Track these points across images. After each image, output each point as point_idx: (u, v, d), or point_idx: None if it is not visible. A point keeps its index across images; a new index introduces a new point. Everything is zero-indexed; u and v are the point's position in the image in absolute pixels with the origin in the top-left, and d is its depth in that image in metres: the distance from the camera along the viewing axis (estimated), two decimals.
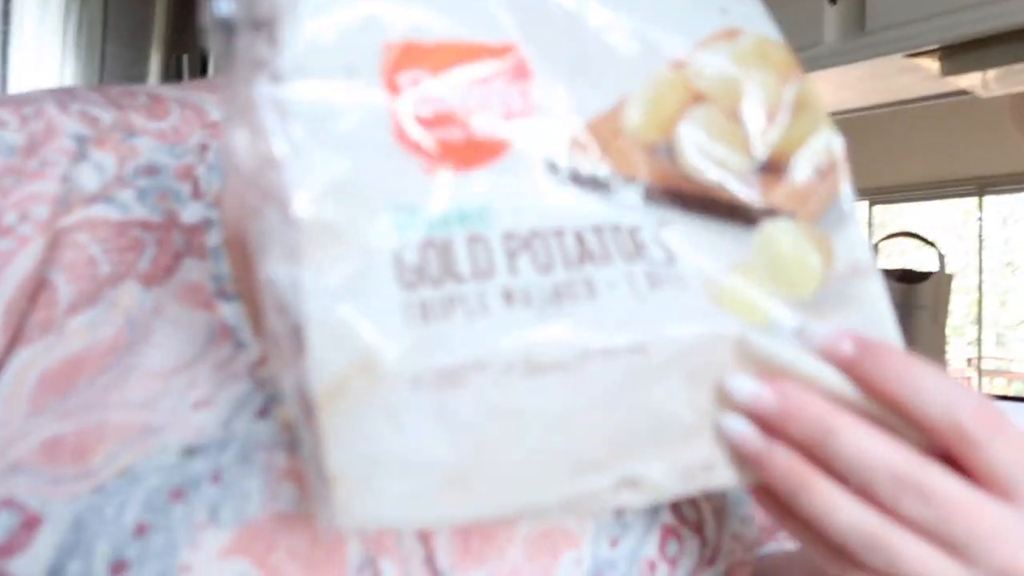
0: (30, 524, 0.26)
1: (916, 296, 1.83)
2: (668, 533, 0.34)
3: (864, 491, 0.25)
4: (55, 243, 0.31)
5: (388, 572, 0.28)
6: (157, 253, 0.32)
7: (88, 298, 0.30)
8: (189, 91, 0.39)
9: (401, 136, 0.25)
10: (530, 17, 0.27)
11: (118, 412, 0.28)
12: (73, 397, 0.28)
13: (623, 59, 0.28)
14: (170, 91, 0.38)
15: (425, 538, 0.29)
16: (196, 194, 0.34)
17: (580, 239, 0.26)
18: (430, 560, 0.29)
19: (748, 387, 0.26)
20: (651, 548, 0.33)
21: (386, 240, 0.24)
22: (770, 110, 0.28)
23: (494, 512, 0.25)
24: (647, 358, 0.25)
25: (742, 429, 0.26)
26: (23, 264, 0.30)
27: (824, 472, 0.25)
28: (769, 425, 0.26)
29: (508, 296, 0.24)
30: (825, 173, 0.28)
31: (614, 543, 0.32)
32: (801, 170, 0.28)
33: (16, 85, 1.43)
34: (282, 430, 0.28)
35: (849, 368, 0.26)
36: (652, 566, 0.33)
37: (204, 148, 0.36)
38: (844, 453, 0.25)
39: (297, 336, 0.23)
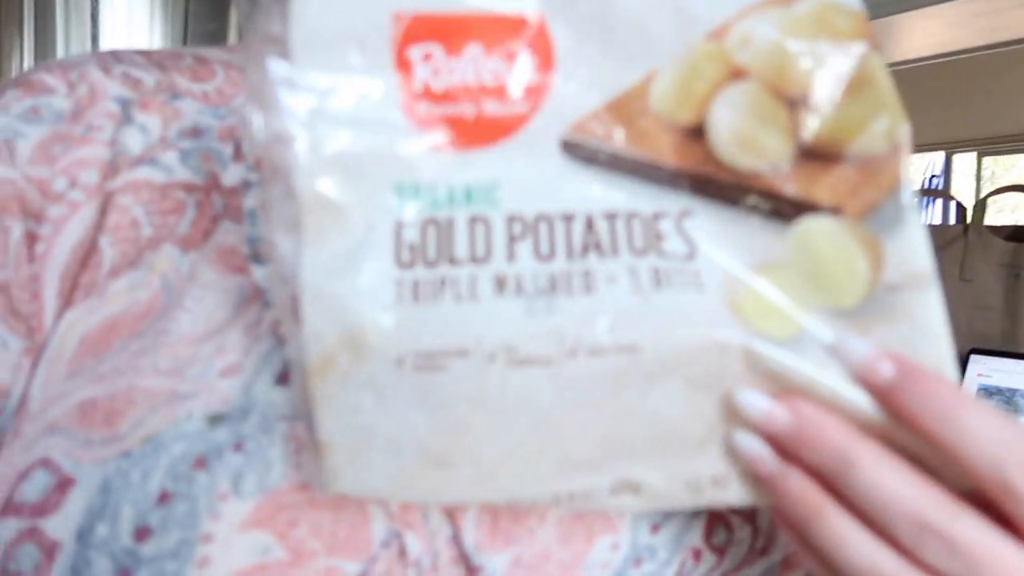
0: (63, 485, 0.27)
1: None
2: (716, 520, 0.32)
3: (884, 531, 0.22)
4: (103, 207, 0.31)
5: (413, 548, 0.27)
6: (196, 216, 0.32)
7: (129, 261, 0.31)
8: (235, 53, 0.39)
9: (409, 112, 0.24)
10: None
11: (147, 378, 0.28)
12: (107, 361, 0.29)
13: (654, 28, 0.25)
14: (216, 53, 0.38)
15: (452, 516, 0.28)
16: (237, 156, 0.34)
17: (590, 225, 0.24)
18: (456, 538, 0.28)
19: (759, 404, 0.23)
20: (696, 536, 0.31)
21: (387, 217, 0.24)
22: (821, 88, 0.25)
23: (480, 497, 0.24)
24: (638, 359, 0.23)
25: (754, 447, 0.24)
26: (75, 230, 0.30)
27: (842, 503, 0.23)
28: (784, 445, 0.24)
29: (500, 283, 0.23)
30: (882, 164, 0.25)
31: (655, 529, 0.30)
32: (853, 159, 0.25)
33: (107, 43, 1.48)
34: (299, 400, 0.28)
35: (886, 394, 0.23)
36: (697, 554, 0.31)
37: None
38: (863, 488, 0.22)
39: (295, 307, 0.23)
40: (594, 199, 0.25)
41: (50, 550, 0.26)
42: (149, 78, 0.34)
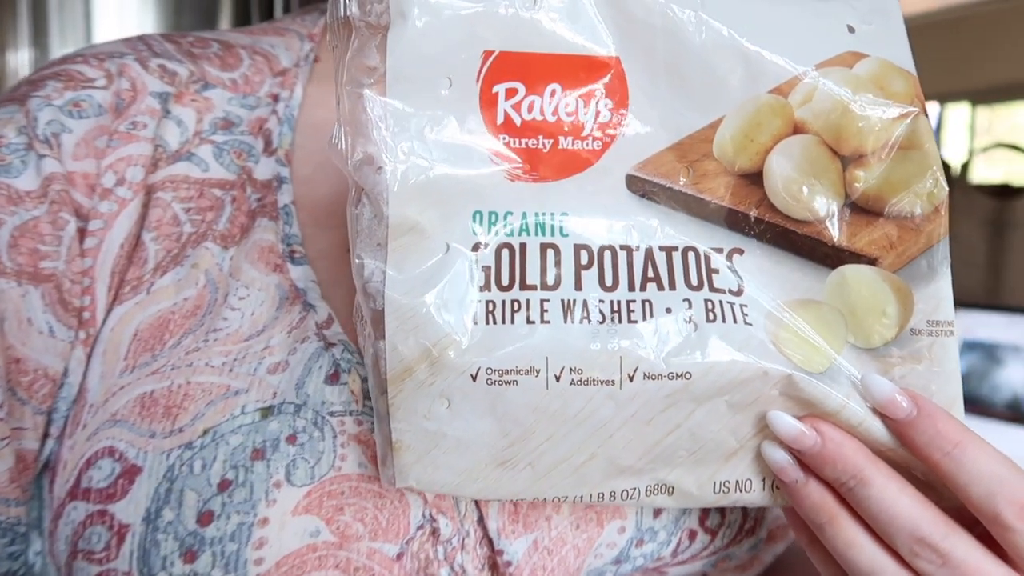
0: (130, 473, 0.29)
1: (1012, 213, 1.70)
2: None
3: (887, 540, 0.26)
4: (146, 202, 0.32)
5: (445, 530, 0.30)
6: (234, 212, 0.33)
7: (173, 258, 0.32)
8: (258, 36, 0.39)
9: (490, 144, 0.26)
10: (632, 32, 0.26)
11: (202, 374, 0.30)
12: (161, 356, 0.30)
13: (724, 79, 0.27)
14: (240, 38, 0.38)
15: (480, 502, 0.31)
16: (267, 149, 0.35)
17: (650, 258, 0.26)
18: (482, 521, 0.31)
19: (790, 426, 0.27)
20: (693, 519, 0.34)
21: (466, 242, 0.25)
22: (873, 147, 0.27)
23: (532, 495, 0.27)
24: (689, 384, 0.26)
25: (780, 459, 0.27)
26: (123, 225, 0.32)
27: (853, 512, 0.26)
28: (807, 461, 0.27)
29: (568, 309, 0.25)
30: (921, 223, 0.27)
31: (657, 513, 0.33)
32: (895, 216, 0.27)
33: (101, 29, 1.43)
34: (352, 399, 0.30)
35: (902, 428, 0.26)
36: (692, 535, 0.34)
37: (275, 98, 0.36)
38: (871, 504, 0.26)
39: (378, 321, 0.25)
40: (656, 234, 0.27)
41: (120, 532, 0.28)
42: (183, 70, 0.35)
